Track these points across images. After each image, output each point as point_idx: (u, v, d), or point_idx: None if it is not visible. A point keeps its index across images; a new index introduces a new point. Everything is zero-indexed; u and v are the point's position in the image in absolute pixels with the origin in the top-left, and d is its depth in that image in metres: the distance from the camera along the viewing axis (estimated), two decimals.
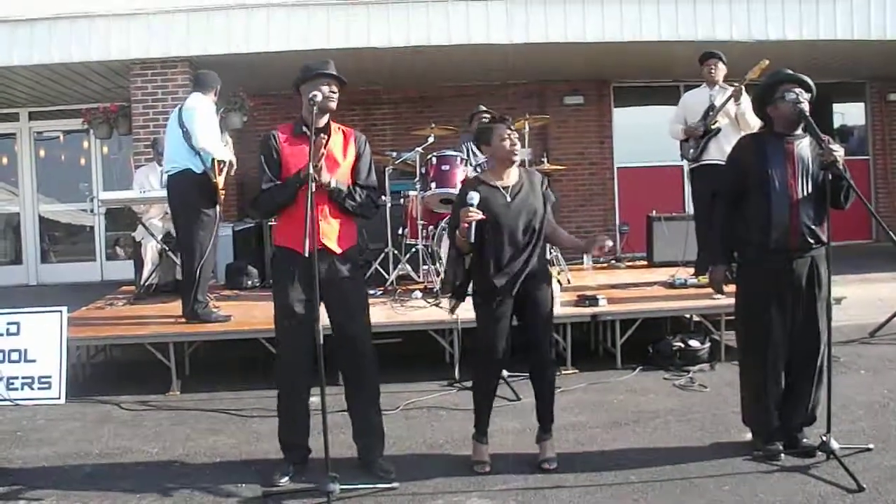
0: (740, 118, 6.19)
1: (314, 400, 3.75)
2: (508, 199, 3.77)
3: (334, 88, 3.77)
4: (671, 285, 6.60)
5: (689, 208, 8.34)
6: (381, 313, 5.81)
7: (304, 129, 3.71)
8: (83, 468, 4.10)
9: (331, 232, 3.77)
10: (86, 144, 11.14)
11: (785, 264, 3.75)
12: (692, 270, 6.86)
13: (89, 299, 7.27)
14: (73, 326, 5.63)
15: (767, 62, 5.94)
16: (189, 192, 5.76)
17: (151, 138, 8.16)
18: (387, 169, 7.63)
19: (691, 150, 6.54)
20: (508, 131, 3.80)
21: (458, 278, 3.93)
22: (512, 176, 3.85)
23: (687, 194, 9.57)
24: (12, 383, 5.27)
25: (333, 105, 3.77)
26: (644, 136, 10.96)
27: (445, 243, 6.54)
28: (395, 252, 7.27)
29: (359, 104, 10.79)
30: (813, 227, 3.73)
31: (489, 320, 3.77)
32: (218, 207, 5.94)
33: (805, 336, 3.79)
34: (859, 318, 6.39)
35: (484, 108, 7.29)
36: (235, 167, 6.08)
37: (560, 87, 11.29)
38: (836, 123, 12.29)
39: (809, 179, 3.75)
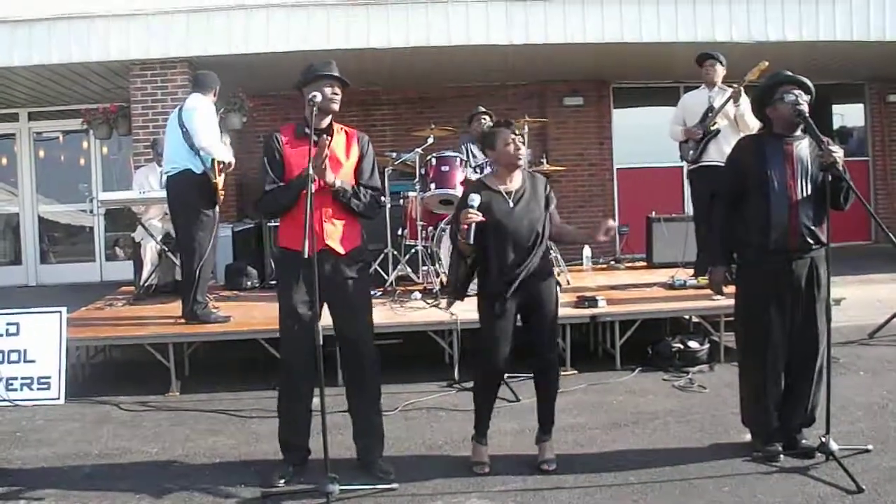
0: (739, 119, 6.19)
1: (315, 401, 3.75)
2: (511, 204, 3.77)
3: (337, 90, 3.77)
4: (670, 286, 6.61)
5: (689, 209, 8.34)
6: (381, 314, 5.80)
7: (307, 130, 3.71)
8: (82, 469, 4.10)
9: (334, 233, 3.77)
10: (85, 145, 11.14)
11: (784, 265, 3.75)
12: (691, 271, 6.86)
13: (89, 300, 7.27)
14: (72, 327, 5.63)
15: (766, 63, 5.95)
16: (188, 192, 5.76)
17: (151, 139, 8.17)
18: (386, 170, 7.63)
19: (690, 152, 6.54)
20: (513, 136, 3.79)
21: (459, 280, 3.94)
22: (515, 180, 3.85)
23: (686, 195, 9.57)
24: (11, 384, 5.27)
25: (336, 107, 3.77)
26: (644, 137, 10.97)
27: (445, 244, 6.55)
28: (395, 253, 7.27)
29: (358, 105, 10.78)
30: (812, 227, 3.73)
31: (493, 322, 3.77)
32: (217, 208, 5.94)
33: (804, 337, 3.79)
34: (858, 319, 6.39)
35: (483, 109, 7.30)
36: (234, 166, 6.07)
37: (559, 87, 11.29)
38: (836, 125, 12.30)
39: (809, 180, 3.75)
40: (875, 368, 5.45)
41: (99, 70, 8.91)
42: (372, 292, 6.46)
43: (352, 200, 3.77)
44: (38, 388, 5.27)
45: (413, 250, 7.21)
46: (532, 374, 3.96)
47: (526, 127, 7.51)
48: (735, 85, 6.22)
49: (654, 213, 8.66)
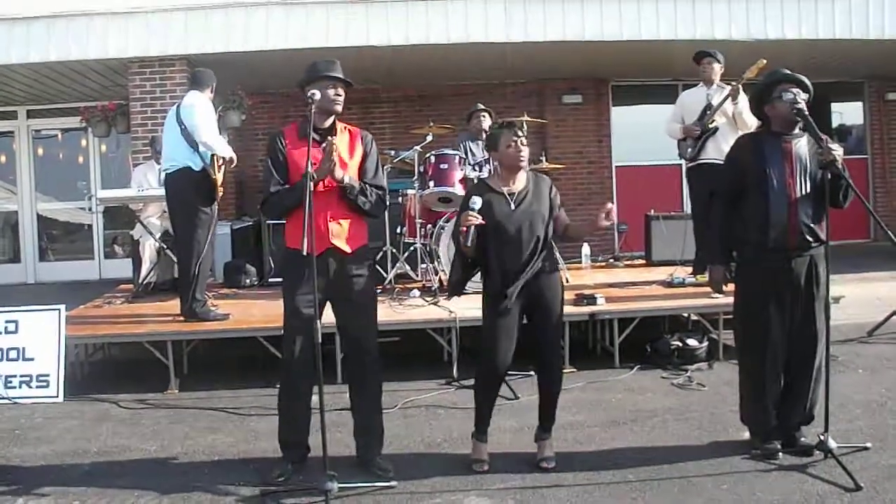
0: (737, 117, 6.19)
1: (314, 399, 3.75)
2: (512, 205, 3.77)
3: (340, 91, 3.76)
4: (669, 284, 6.61)
5: (688, 207, 8.35)
6: (380, 312, 5.72)
7: (312, 132, 3.69)
8: (81, 466, 4.10)
9: (340, 232, 3.77)
10: (84, 143, 11.13)
11: (783, 263, 3.75)
12: (690, 269, 6.87)
13: (87, 297, 7.26)
14: (71, 325, 5.63)
15: (765, 62, 5.95)
16: (187, 190, 5.75)
17: (150, 136, 8.16)
18: (385, 167, 7.63)
19: (689, 149, 6.54)
20: (515, 138, 3.78)
21: (458, 277, 3.94)
22: (519, 182, 3.84)
23: (685, 193, 9.57)
24: (10, 381, 5.27)
25: (339, 108, 3.77)
26: (642, 134, 10.95)
27: (443, 242, 6.55)
28: (394, 251, 7.28)
29: (357, 103, 10.76)
30: (812, 225, 3.73)
31: (495, 320, 3.77)
32: (215, 205, 5.93)
33: (803, 335, 3.79)
34: (857, 318, 6.39)
35: (482, 107, 7.30)
36: (235, 163, 6.06)
37: (558, 85, 11.29)
38: (835, 123, 12.30)
39: (808, 178, 3.75)
40: (874, 366, 5.45)
41: (97, 68, 8.90)
42: None
43: (359, 198, 3.76)
44: (37, 386, 5.27)
45: (412, 248, 7.22)
46: (531, 372, 3.96)
47: (524, 125, 7.52)
48: (733, 83, 6.22)
49: (652, 210, 8.66)
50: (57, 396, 5.23)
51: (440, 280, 6.59)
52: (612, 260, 9.00)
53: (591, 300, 5.80)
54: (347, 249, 3.78)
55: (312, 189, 3.53)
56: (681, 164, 7.44)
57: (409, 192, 7.21)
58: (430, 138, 7.27)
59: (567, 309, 5.73)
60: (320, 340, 3.53)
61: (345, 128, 3.89)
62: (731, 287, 4.03)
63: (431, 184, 6.70)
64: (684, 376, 5.36)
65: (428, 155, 6.89)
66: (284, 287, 3.85)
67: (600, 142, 11.50)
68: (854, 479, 3.45)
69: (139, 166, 8.01)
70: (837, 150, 3.63)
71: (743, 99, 6.01)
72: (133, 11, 8.35)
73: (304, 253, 3.34)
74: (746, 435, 4.02)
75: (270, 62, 8.75)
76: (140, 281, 7.33)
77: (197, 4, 8.36)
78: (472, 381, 4.04)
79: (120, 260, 10.71)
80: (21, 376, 5.29)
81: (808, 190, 3.74)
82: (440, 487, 3.65)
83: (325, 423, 3.47)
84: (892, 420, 4.35)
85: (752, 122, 5.28)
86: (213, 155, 5.73)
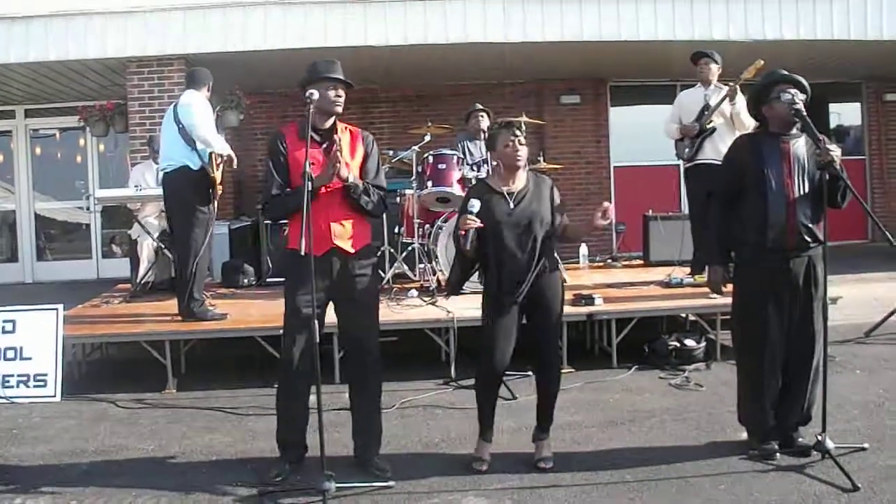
0: (735, 118, 6.19)
1: (311, 398, 3.75)
2: (511, 205, 3.77)
3: (340, 92, 3.76)
4: (667, 284, 6.61)
5: (685, 208, 8.35)
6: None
7: (312, 132, 3.68)
8: (79, 466, 4.09)
9: (343, 233, 3.77)
10: (82, 142, 11.11)
11: (782, 264, 3.75)
12: (688, 270, 6.87)
13: (85, 297, 7.25)
14: (68, 324, 5.62)
15: (763, 62, 5.96)
16: (185, 189, 5.75)
17: (147, 136, 8.14)
18: (384, 167, 7.62)
19: (686, 150, 6.55)
20: (513, 137, 3.79)
21: (457, 277, 3.95)
22: (518, 181, 3.85)
23: (683, 194, 9.58)
24: (8, 381, 5.27)
25: (339, 109, 3.77)
26: (641, 135, 10.96)
27: (441, 242, 6.55)
28: (392, 251, 7.28)
29: (356, 103, 10.69)
30: (810, 226, 3.73)
31: (495, 320, 3.77)
32: (213, 205, 5.93)
33: (801, 335, 3.79)
34: (855, 318, 6.40)
35: (480, 107, 7.31)
36: (235, 162, 6.06)
37: (557, 85, 11.30)
38: (833, 123, 12.30)
39: (806, 179, 3.75)
40: (871, 367, 5.46)
41: (96, 67, 8.89)
42: None
43: (362, 197, 3.76)
44: (35, 386, 5.26)
45: (410, 248, 7.21)
46: (528, 373, 3.96)
47: (522, 125, 7.52)
48: (731, 83, 6.23)
49: (650, 211, 8.67)
50: (54, 396, 5.23)
51: (438, 280, 6.59)
52: (609, 260, 9.00)
53: (589, 300, 5.80)
54: (351, 249, 3.79)
55: (315, 191, 3.53)
56: (679, 165, 7.44)
57: (408, 192, 7.21)
58: (428, 138, 7.28)
59: (565, 309, 5.74)
60: (318, 340, 3.53)
61: (346, 128, 3.89)
62: (729, 287, 4.03)
63: (429, 184, 6.70)
64: (682, 377, 5.36)
65: (426, 155, 6.89)
66: (285, 287, 3.86)
67: (598, 142, 11.51)
68: (851, 480, 3.46)
69: (137, 166, 8.00)
70: (835, 151, 3.63)
71: (741, 99, 6.02)
72: (131, 11, 8.35)
73: (302, 253, 3.34)
74: (744, 435, 4.02)
75: (268, 62, 8.74)
76: (138, 280, 7.32)
77: (195, 4, 8.35)
78: (469, 381, 4.04)
79: (118, 259, 10.71)
80: (19, 376, 5.28)
81: (807, 190, 3.74)
82: (438, 487, 3.65)
83: (323, 422, 3.47)
84: (890, 420, 4.35)
85: (749, 123, 5.29)
86: (211, 153, 5.73)
